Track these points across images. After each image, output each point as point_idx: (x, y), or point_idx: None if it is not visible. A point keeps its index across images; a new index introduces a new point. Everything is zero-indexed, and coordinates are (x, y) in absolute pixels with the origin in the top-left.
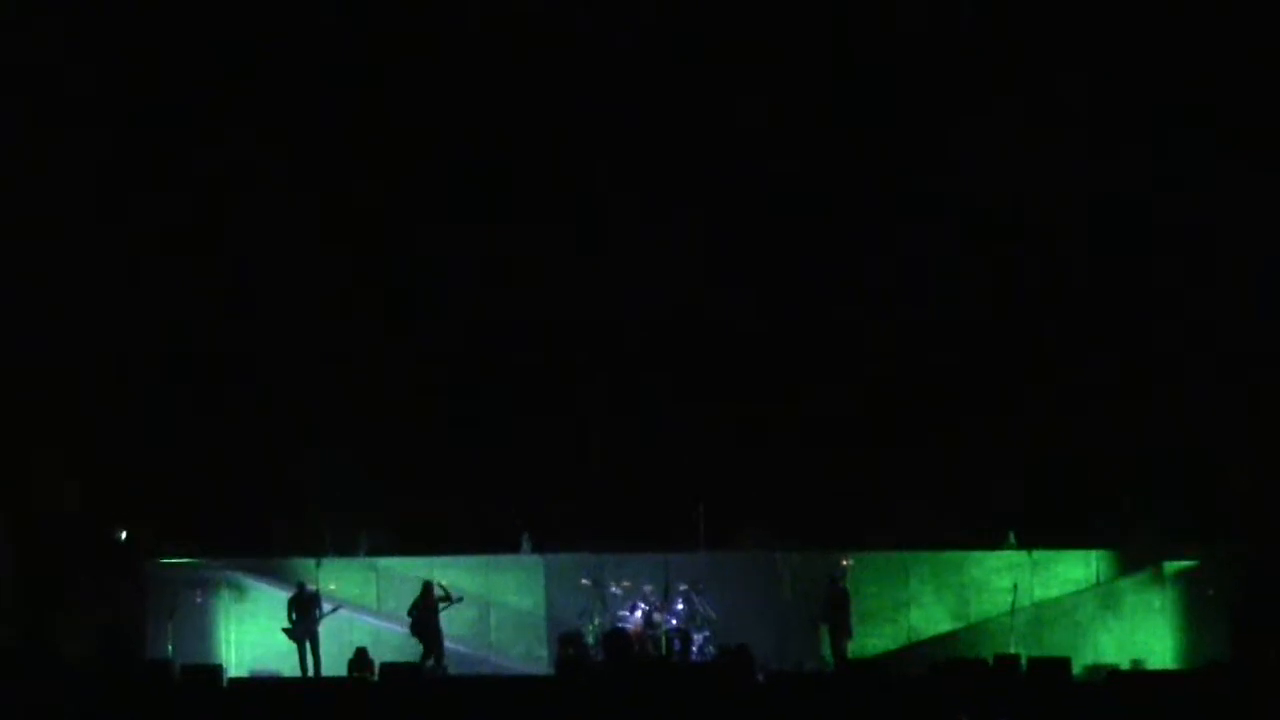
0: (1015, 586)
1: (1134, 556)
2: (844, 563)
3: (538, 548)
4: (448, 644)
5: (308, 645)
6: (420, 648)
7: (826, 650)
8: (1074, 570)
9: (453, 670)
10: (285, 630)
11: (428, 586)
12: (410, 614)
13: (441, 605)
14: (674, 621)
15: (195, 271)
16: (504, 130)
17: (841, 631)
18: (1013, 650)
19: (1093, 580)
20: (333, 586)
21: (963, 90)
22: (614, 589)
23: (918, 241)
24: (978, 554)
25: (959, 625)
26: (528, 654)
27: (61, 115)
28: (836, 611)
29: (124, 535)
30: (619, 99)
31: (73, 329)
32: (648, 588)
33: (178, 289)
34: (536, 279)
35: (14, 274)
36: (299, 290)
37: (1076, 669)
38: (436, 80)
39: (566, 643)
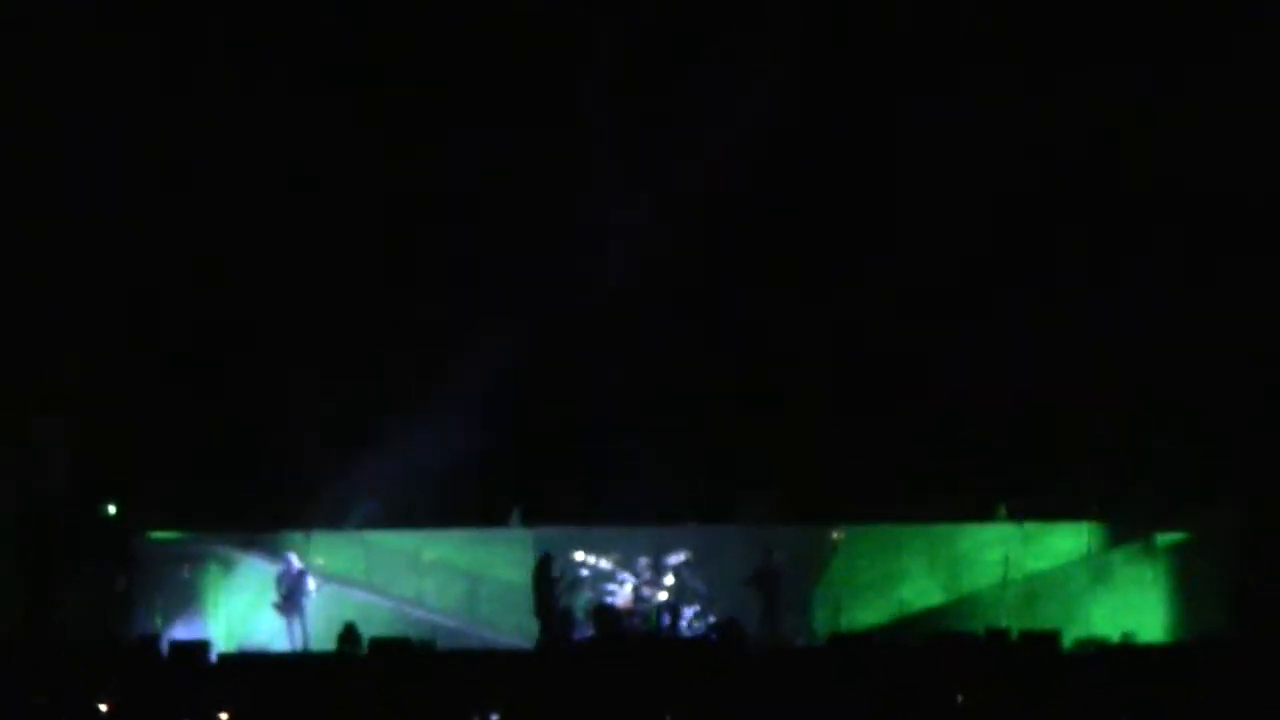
0: (1006, 559)
1: (1126, 529)
2: (834, 535)
3: (527, 521)
4: (439, 618)
5: (296, 620)
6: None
7: (817, 626)
8: (1065, 543)
9: (441, 645)
10: (274, 605)
11: (547, 558)
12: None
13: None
14: (663, 595)
15: (181, 235)
16: None
17: (772, 611)
18: (1003, 623)
19: (1084, 553)
20: (321, 561)
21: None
22: (602, 563)
23: (908, 205)
24: (969, 527)
25: (950, 598)
26: (518, 628)
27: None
28: (765, 589)
29: (111, 510)
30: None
31: (55, 297)
32: (642, 561)
33: (162, 255)
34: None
35: None
36: (286, 258)
37: (1067, 642)
38: None
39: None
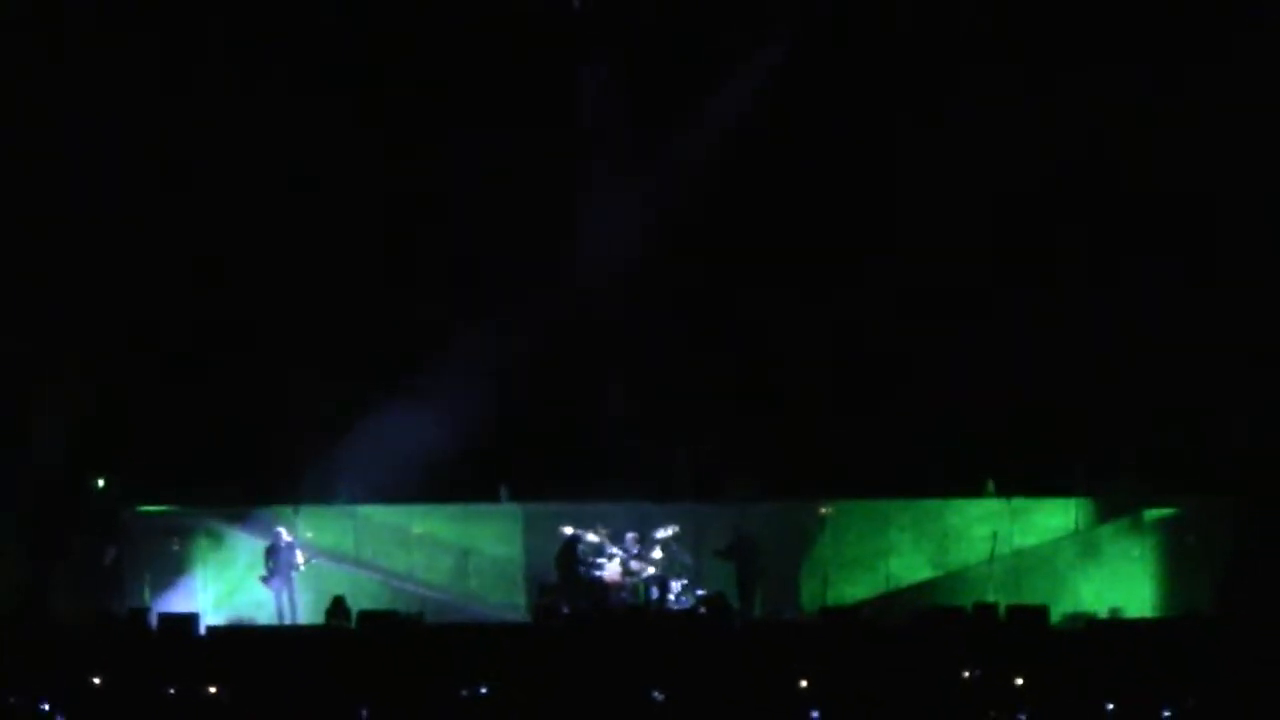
0: (995, 534)
1: (1114, 504)
2: (822, 511)
3: (515, 496)
4: (427, 592)
5: (284, 593)
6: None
7: (805, 599)
8: (1053, 518)
9: (430, 619)
10: (262, 578)
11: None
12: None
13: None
14: (651, 569)
15: (170, 222)
16: None
17: (743, 585)
18: (991, 598)
19: (1071, 528)
20: (310, 535)
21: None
22: (589, 537)
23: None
24: (957, 502)
25: (938, 573)
26: (506, 602)
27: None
28: (736, 562)
29: (100, 483)
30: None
31: (48, 279)
32: (630, 535)
33: (153, 241)
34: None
35: None
36: (276, 240)
37: (1055, 617)
38: None
39: (544, 591)
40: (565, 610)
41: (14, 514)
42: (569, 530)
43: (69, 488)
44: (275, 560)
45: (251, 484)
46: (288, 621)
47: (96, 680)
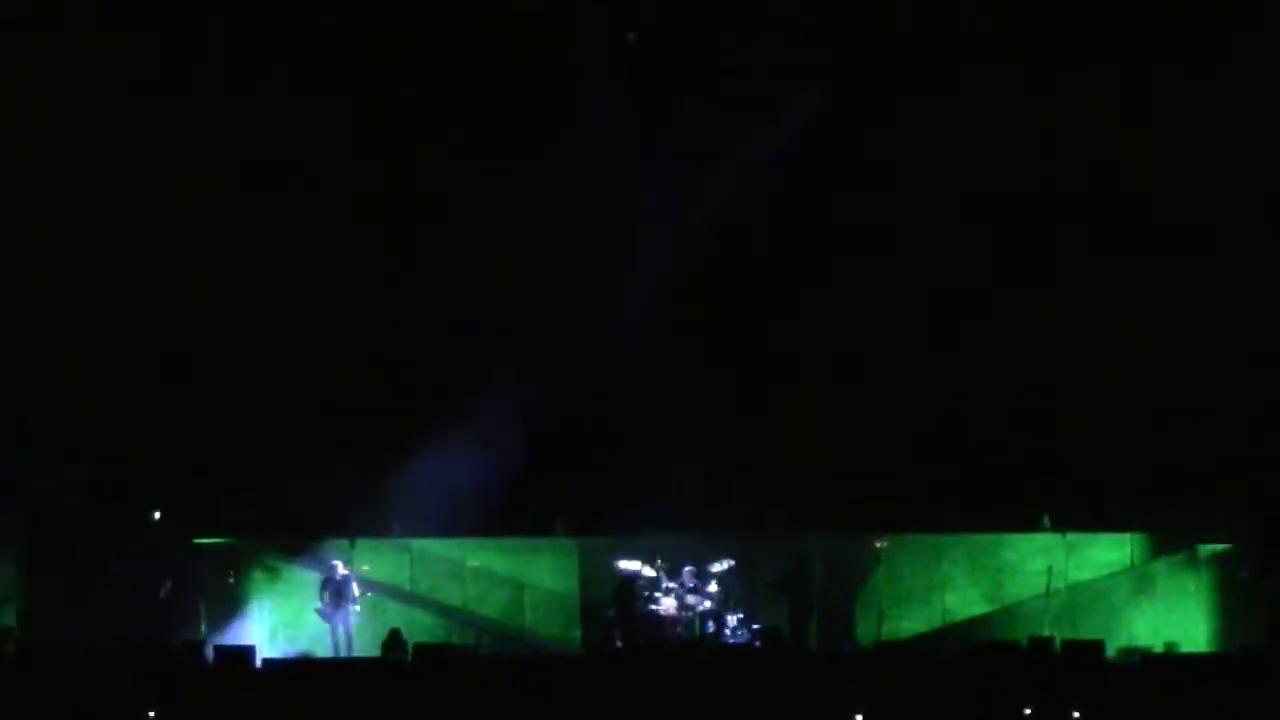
0: (1050, 569)
1: (1168, 539)
2: (877, 544)
3: (571, 529)
4: (483, 626)
5: (340, 626)
6: None
7: (860, 633)
8: (1108, 553)
9: (486, 651)
10: (318, 611)
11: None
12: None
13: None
14: (707, 603)
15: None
16: None
17: (796, 618)
18: (1046, 633)
19: (1127, 563)
20: (366, 567)
21: None
22: (646, 571)
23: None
24: (1012, 537)
25: (993, 608)
26: (561, 636)
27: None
28: (791, 595)
29: (157, 516)
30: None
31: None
32: (687, 569)
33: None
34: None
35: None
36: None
37: (1110, 651)
38: None
39: (599, 625)
40: (620, 644)
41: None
42: (625, 564)
43: (122, 518)
44: (331, 593)
45: (307, 517)
46: (344, 654)
47: (152, 714)
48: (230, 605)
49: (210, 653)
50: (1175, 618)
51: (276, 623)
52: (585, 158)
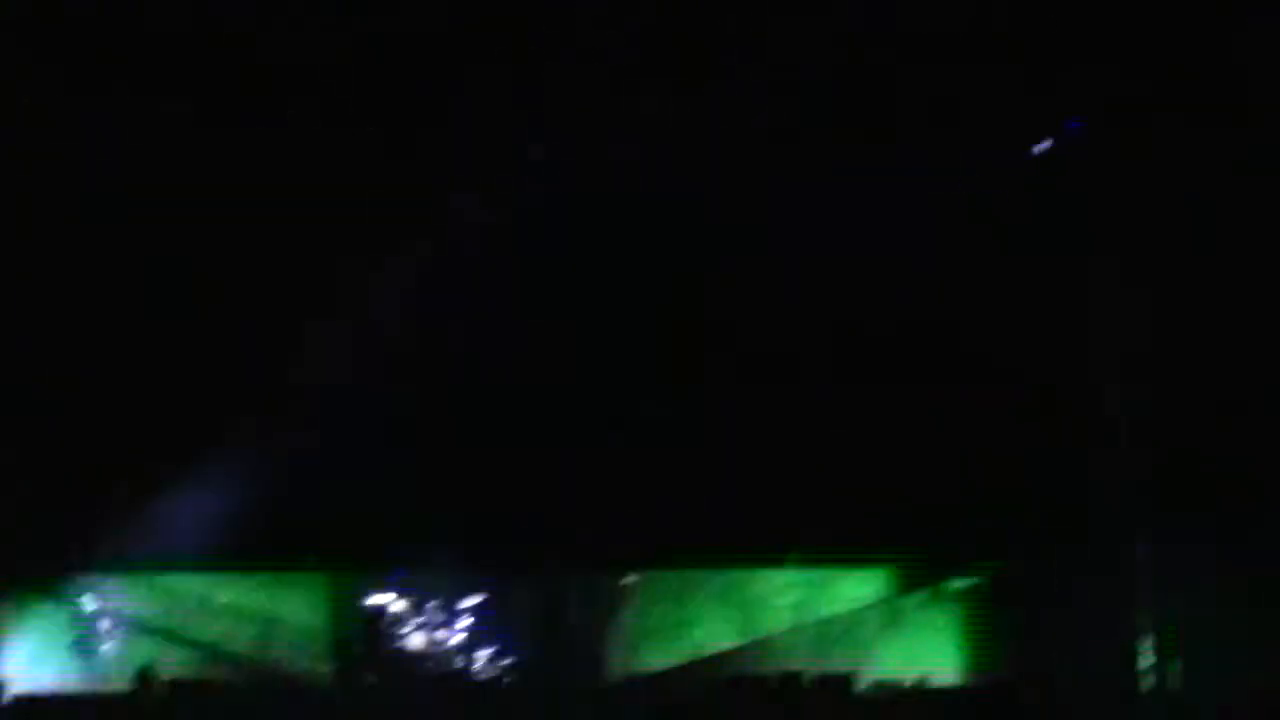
0: (797, 604)
1: (916, 574)
2: (627, 581)
3: (322, 565)
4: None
5: (90, 661)
6: None
7: (609, 669)
8: (857, 588)
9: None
10: (68, 646)
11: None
12: None
13: None
14: (458, 638)
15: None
16: None
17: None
18: (796, 667)
19: (876, 597)
20: (116, 603)
21: None
22: (395, 606)
23: None
24: (760, 571)
25: (742, 642)
26: (311, 671)
27: None
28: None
29: None
30: None
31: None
32: (433, 604)
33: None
34: None
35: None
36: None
37: (861, 685)
38: None
39: (349, 661)
40: (370, 680)
41: None
42: (374, 599)
43: None
44: (83, 628)
45: (54, 550)
46: (94, 690)
47: None
48: None
49: None
50: (926, 651)
51: (24, 659)
52: None
